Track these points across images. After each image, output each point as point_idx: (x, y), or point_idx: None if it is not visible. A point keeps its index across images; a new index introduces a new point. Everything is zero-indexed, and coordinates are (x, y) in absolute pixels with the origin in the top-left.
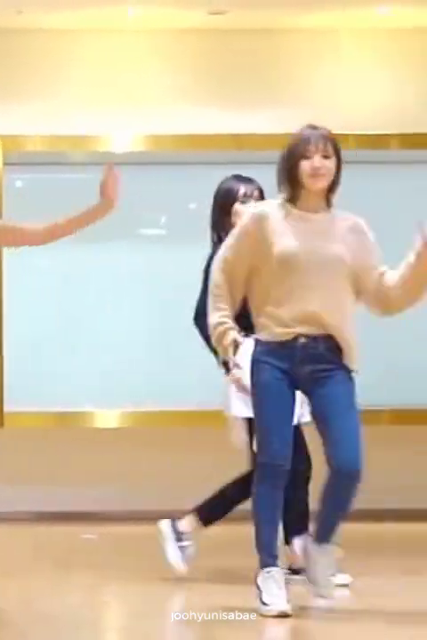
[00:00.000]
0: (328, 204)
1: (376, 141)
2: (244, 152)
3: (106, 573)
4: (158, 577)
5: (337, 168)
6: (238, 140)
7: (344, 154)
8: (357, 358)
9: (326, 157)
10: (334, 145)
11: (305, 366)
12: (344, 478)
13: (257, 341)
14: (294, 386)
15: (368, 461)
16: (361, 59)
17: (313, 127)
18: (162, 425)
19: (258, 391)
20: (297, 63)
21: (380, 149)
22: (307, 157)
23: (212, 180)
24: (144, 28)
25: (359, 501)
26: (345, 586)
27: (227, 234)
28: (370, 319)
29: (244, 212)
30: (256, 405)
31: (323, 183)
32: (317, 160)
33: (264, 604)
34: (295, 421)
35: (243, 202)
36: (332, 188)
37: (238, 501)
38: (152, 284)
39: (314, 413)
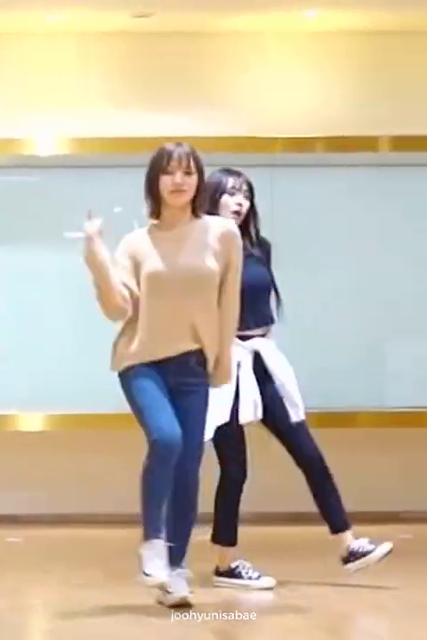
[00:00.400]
0: (195, 214)
1: (302, 144)
2: None
3: (31, 577)
4: (85, 580)
5: (199, 184)
6: (162, 143)
7: (271, 157)
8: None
9: (188, 174)
10: (196, 161)
11: (176, 378)
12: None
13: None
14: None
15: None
16: (287, 62)
17: (177, 144)
18: (88, 428)
19: (132, 386)
20: (223, 66)
21: (306, 152)
22: (169, 173)
23: (137, 183)
24: (70, 30)
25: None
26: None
27: None
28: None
29: (230, 205)
30: (133, 397)
31: (184, 199)
32: (178, 176)
33: (146, 574)
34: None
35: (231, 194)
36: (196, 201)
37: (235, 501)
38: (77, 286)
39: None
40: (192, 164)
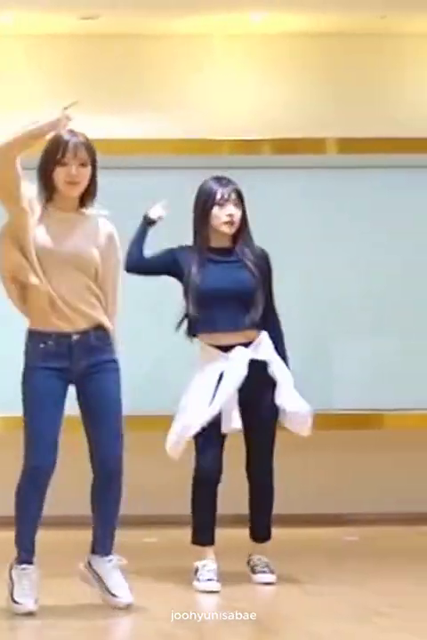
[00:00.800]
0: (83, 205)
1: (249, 147)
2: (116, 157)
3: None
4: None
5: (92, 175)
6: (110, 146)
7: (217, 159)
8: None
9: (82, 165)
10: (90, 152)
11: (81, 362)
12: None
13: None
14: (69, 381)
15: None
16: (234, 64)
17: (72, 133)
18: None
19: (28, 396)
20: (170, 68)
21: (253, 155)
22: (64, 165)
23: None
24: (15, 32)
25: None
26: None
27: (204, 235)
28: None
29: (221, 216)
30: (25, 410)
31: (78, 191)
32: (73, 168)
33: (15, 601)
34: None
35: (220, 205)
36: (89, 192)
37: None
38: None
39: (83, 409)
40: (86, 154)
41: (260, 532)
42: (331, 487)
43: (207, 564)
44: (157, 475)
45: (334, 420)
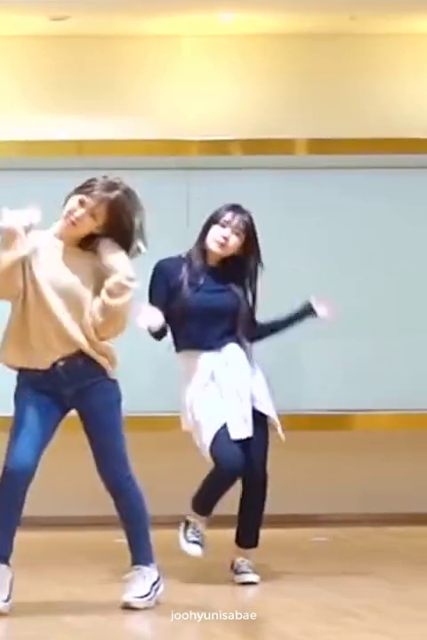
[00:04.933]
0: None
1: (218, 147)
2: (86, 158)
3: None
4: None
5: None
6: (80, 147)
7: (186, 160)
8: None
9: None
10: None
11: (71, 386)
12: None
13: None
14: (62, 405)
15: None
16: (203, 64)
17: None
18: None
19: (16, 411)
20: (140, 69)
21: (222, 155)
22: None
23: (52, 186)
24: None
25: None
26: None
27: (201, 248)
28: None
29: (216, 235)
30: (15, 413)
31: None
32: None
33: None
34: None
35: (222, 225)
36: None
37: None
38: None
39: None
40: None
41: (248, 539)
42: (301, 488)
43: (197, 524)
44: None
45: (303, 421)
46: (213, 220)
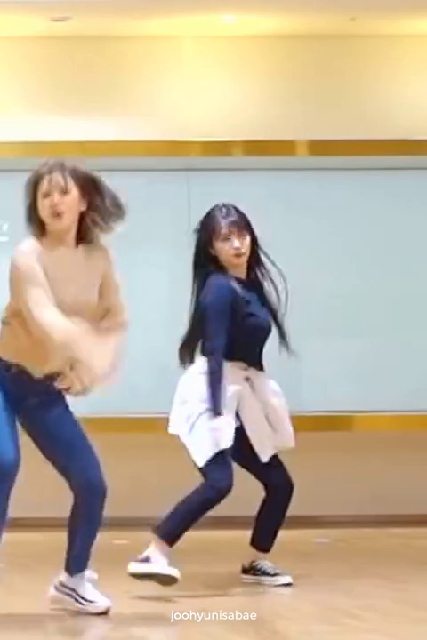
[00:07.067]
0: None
1: (219, 148)
2: (89, 159)
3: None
4: None
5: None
6: (83, 147)
7: (187, 161)
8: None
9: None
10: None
11: (30, 399)
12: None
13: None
14: (15, 409)
15: None
16: (204, 66)
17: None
18: None
19: None
20: (141, 70)
21: (223, 156)
22: (47, 195)
23: None
24: None
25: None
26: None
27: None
28: None
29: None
30: None
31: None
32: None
33: None
34: None
35: (225, 239)
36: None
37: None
38: None
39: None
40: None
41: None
42: (302, 489)
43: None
44: (125, 477)
45: (303, 422)
46: (212, 236)
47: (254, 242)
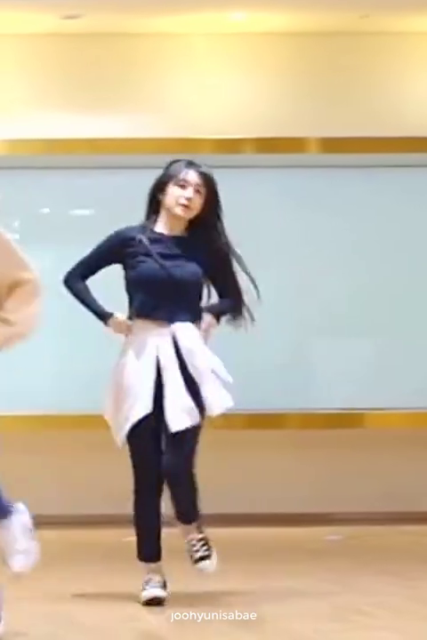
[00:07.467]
0: None
1: (230, 146)
2: (99, 156)
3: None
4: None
5: None
6: (94, 145)
7: (198, 159)
8: None
9: None
10: None
11: None
12: None
13: None
14: None
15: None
16: (215, 63)
17: None
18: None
19: None
20: (152, 67)
21: (234, 154)
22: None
23: (65, 184)
24: None
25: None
26: None
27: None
28: None
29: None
30: None
31: None
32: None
33: None
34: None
35: (182, 185)
36: None
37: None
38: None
39: None
40: None
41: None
42: (313, 487)
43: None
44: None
45: (316, 420)
46: (169, 178)
47: (215, 217)
